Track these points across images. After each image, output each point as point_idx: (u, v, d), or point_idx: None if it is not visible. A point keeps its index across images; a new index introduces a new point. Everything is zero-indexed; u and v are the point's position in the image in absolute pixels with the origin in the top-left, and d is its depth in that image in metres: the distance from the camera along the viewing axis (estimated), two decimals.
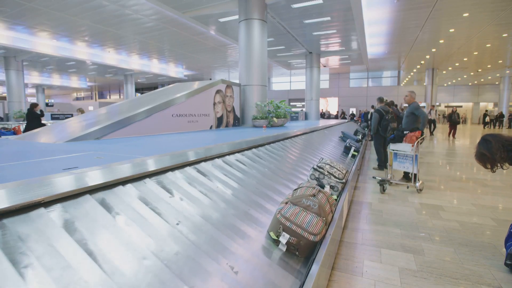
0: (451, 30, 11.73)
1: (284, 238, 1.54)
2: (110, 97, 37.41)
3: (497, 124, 22.24)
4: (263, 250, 1.52)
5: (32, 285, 0.82)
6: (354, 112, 24.18)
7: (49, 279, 0.85)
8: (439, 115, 27.42)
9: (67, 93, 36.83)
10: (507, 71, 21.92)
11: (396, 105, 10.01)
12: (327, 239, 1.65)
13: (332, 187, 2.51)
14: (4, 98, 23.37)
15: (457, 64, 19.18)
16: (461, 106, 28.59)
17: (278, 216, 1.61)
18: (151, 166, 1.70)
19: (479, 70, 21.07)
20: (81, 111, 8.02)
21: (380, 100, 6.08)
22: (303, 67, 17.43)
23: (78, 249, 1.00)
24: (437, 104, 20.47)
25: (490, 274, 1.99)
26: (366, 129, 10.76)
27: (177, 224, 1.39)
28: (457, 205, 3.55)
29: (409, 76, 24.72)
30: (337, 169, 2.65)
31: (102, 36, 12.84)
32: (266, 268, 1.40)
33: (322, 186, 2.50)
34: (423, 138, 4.42)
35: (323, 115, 20.03)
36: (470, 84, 28.44)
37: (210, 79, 21.52)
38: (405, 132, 4.51)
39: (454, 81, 27.01)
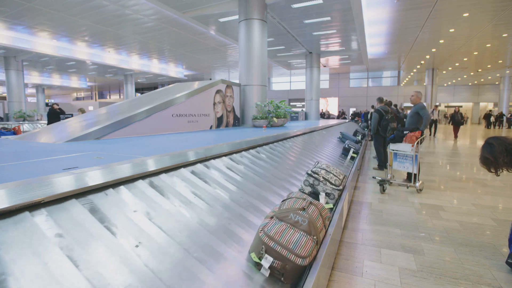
0: (451, 30, 11.73)
1: (267, 261, 1.31)
2: (110, 97, 37.42)
3: (497, 124, 22.26)
4: (243, 277, 1.28)
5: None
6: (354, 112, 24.16)
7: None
8: (443, 115, 27.43)
9: (67, 93, 36.83)
10: (507, 71, 21.92)
11: (396, 105, 10.03)
12: (327, 239, 1.65)
13: (328, 195, 2.33)
14: (4, 98, 23.39)
15: (457, 64, 19.18)
16: (461, 106, 28.57)
17: (261, 235, 1.38)
18: (151, 167, 1.70)
19: (479, 70, 21.07)
20: (81, 111, 8.03)
21: (380, 100, 6.10)
22: (303, 67, 17.44)
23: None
24: (437, 104, 20.44)
25: (490, 274, 1.99)
26: (366, 129, 10.76)
27: (137, 246, 1.13)
28: (457, 205, 3.55)
29: (409, 76, 24.71)
30: (333, 174, 2.47)
31: (102, 36, 12.84)
32: None
33: (317, 193, 2.35)
34: (423, 138, 4.42)
35: (323, 115, 20.02)
36: (470, 84, 28.44)
37: (210, 79, 21.53)
38: (405, 132, 4.51)
39: (454, 81, 27.01)
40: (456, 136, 12.27)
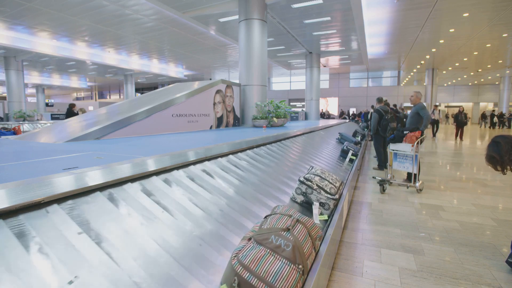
0: (451, 30, 11.73)
1: None
2: (110, 97, 37.44)
3: (497, 124, 22.26)
4: None
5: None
6: (355, 112, 24.15)
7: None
8: (444, 115, 27.38)
9: (67, 93, 36.84)
10: (507, 71, 21.93)
11: (395, 105, 10.03)
12: (327, 239, 1.64)
13: (322, 205, 2.10)
14: (4, 98, 23.40)
15: (457, 64, 19.19)
16: (459, 107, 28.57)
17: (234, 263, 1.12)
18: (151, 166, 1.69)
19: (479, 70, 21.08)
20: (82, 110, 8.04)
21: (379, 100, 6.11)
22: (303, 67, 17.44)
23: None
24: (437, 104, 20.44)
25: (490, 274, 1.99)
26: (366, 129, 10.75)
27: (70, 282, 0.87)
28: (457, 205, 3.55)
29: (409, 76, 24.72)
30: (328, 181, 2.22)
31: (102, 36, 12.85)
32: None
33: (310, 203, 2.12)
34: (423, 138, 4.43)
35: (323, 115, 20.03)
36: (470, 84, 28.45)
37: (210, 79, 21.54)
38: (405, 132, 4.51)
39: (454, 81, 27.02)
40: (457, 136, 12.06)
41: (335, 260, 2.19)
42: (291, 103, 26.97)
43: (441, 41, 13.56)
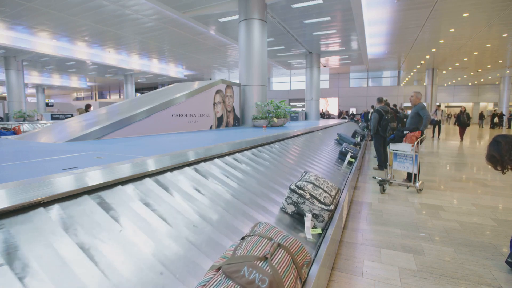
0: (451, 30, 11.73)
1: None
2: (110, 97, 37.43)
3: (497, 124, 22.25)
4: None
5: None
6: (354, 112, 24.16)
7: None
8: (447, 115, 27.35)
9: (67, 93, 36.84)
10: (507, 71, 21.93)
11: (395, 105, 10.03)
12: (327, 239, 1.64)
13: (315, 216, 1.83)
14: (4, 98, 23.38)
15: (457, 64, 19.18)
16: (461, 106, 28.58)
17: None
18: (151, 167, 1.69)
19: (479, 70, 21.07)
20: (80, 111, 8.03)
21: (380, 100, 6.11)
22: (303, 67, 17.44)
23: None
24: (438, 104, 20.44)
25: (490, 274, 1.99)
26: (366, 129, 10.75)
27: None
28: (457, 205, 3.55)
29: (409, 76, 24.72)
30: (323, 189, 1.96)
31: (102, 36, 12.85)
32: None
33: (302, 214, 1.87)
34: (423, 138, 4.43)
35: (323, 115, 20.03)
36: (470, 84, 28.45)
37: (210, 79, 21.54)
38: (405, 132, 4.52)
39: (454, 81, 27.02)
40: (461, 137, 11.80)
41: (335, 260, 2.19)
42: (291, 103, 26.96)
43: (441, 41, 13.56)
